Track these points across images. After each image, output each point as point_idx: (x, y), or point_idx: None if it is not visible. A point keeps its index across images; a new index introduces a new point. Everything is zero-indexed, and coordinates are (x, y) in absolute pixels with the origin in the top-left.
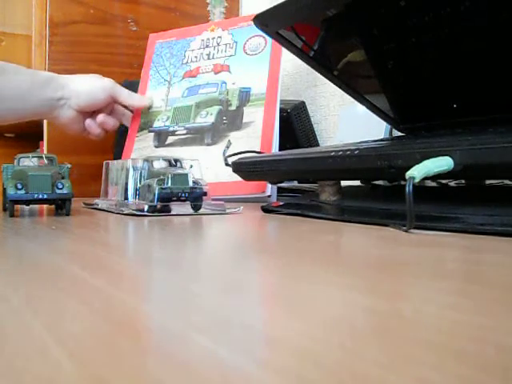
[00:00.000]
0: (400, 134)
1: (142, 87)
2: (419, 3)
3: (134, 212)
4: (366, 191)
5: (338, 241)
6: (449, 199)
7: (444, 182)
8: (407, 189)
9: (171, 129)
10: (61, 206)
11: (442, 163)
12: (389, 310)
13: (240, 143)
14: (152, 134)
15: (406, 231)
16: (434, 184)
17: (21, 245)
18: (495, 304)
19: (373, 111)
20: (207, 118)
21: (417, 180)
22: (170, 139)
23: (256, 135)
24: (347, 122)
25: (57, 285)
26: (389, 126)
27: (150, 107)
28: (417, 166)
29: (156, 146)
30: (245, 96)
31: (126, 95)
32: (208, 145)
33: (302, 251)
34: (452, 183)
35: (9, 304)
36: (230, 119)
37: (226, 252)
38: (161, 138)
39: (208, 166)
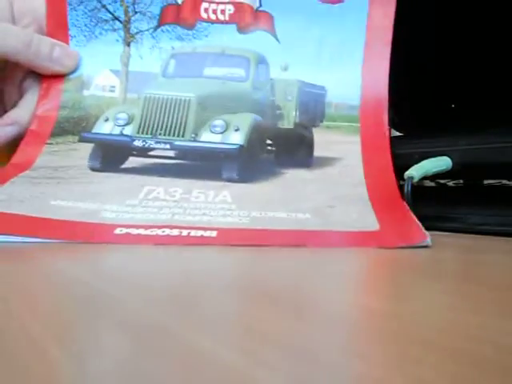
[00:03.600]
0: (398, 133)
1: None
2: (419, 2)
3: None
4: None
5: None
6: (447, 199)
7: (442, 181)
8: (406, 189)
9: (138, 143)
10: None
11: (440, 163)
12: (388, 310)
13: (312, 201)
14: (88, 145)
15: None
16: (432, 184)
17: None
18: (494, 304)
19: None
20: (229, 135)
21: (415, 180)
22: (133, 162)
23: (349, 189)
24: None
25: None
26: None
27: (81, 82)
28: (415, 165)
29: (95, 169)
30: (313, 102)
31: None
32: (231, 180)
33: (301, 251)
34: (450, 183)
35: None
36: (283, 146)
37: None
38: (110, 155)
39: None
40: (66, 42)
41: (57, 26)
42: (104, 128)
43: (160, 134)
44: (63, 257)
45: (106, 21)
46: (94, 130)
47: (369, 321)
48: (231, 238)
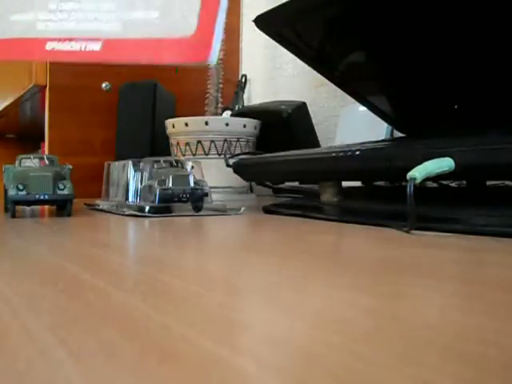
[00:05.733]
0: (401, 134)
1: None
2: (420, 4)
3: (135, 213)
4: (367, 192)
5: (339, 241)
6: (450, 200)
7: (445, 182)
8: (408, 190)
9: None
10: (62, 207)
11: (443, 164)
12: (390, 311)
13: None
14: None
15: (407, 232)
16: (435, 185)
17: (22, 246)
18: (496, 305)
19: (374, 112)
20: None
21: (418, 181)
22: None
23: None
24: (348, 122)
25: (58, 286)
26: (390, 127)
27: None
28: (418, 166)
29: None
30: None
31: None
32: None
33: (304, 252)
34: (453, 184)
35: (10, 305)
36: None
37: (227, 253)
38: None
39: None
40: None
41: None
42: None
43: None
44: None
45: None
46: None
47: (369, 321)
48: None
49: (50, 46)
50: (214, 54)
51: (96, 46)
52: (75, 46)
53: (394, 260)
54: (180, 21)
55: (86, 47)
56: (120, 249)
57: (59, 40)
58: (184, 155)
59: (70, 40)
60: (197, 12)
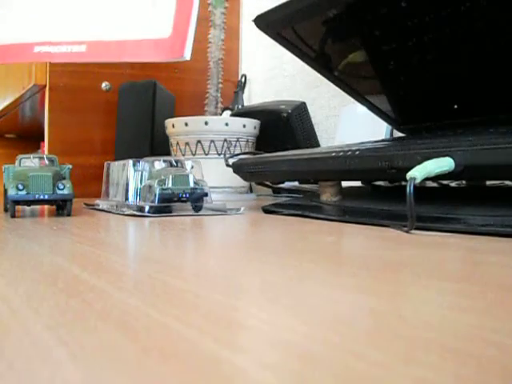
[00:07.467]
0: (401, 134)
1: None
2: (420, 4)
3: (135, 212)
4: (367, 192)
5: (339, 241)
6: (450, 200)
7: (445, 182)
8: (408, 189)
9: None
10: (62, 207)
11: (442, 164)
12: (389, 310)
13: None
14: None
15: (406, 232)
16: (434, 185)
17: (22, 245)
18: (496, 304)
19: (373, 112)
20: None
21: (418, 181)
22: None
23: None
24: (347, 122)
25: (58, 285)
26: (389, 127)
27: None
28: (418, 166)
29: None
30: None
31: None
32: None
33: (304, 252)
34: (453, 184)
35: (10, 305)
36: None
37: (227, 253)
38: None
39: None
40: None
41: None
42: None
43: None
44: None
45: None
46: None
47: (369, 320)
48: (100, 51)
49: (37, 49)
50: (188, 50)
51: (81, 48)
52: (62, 49)
53: (394, 260)
54: (157, 24)
55: (71, 49)
56: (120, 248)
57: (46, 44)
58: (184, 155)
59: (57, 44)
60: (172, 14)
